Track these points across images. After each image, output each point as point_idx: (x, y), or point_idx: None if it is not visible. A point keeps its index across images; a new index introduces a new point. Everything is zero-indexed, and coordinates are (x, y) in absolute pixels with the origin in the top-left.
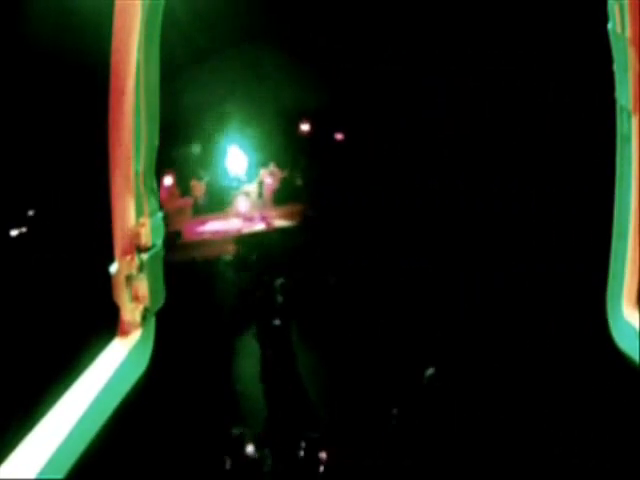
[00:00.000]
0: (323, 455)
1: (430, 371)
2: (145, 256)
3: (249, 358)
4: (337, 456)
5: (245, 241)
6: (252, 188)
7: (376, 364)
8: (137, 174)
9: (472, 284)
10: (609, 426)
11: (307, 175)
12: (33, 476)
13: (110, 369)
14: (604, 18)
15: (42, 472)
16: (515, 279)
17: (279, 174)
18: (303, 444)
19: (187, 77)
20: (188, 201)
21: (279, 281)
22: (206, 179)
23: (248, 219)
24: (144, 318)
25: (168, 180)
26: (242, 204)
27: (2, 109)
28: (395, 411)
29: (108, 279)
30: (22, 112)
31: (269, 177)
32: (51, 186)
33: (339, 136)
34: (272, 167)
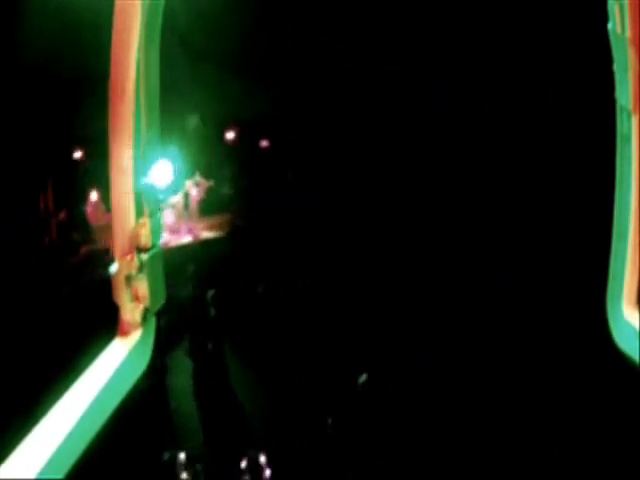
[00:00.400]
0: (260, 471)
1: (363, 377)
2: (145, 256)
3: (182, 374)
4: (275, 470)
5: (173, 254)
6: (178, 200)
7: (309, 372)
8: (137, 174)
9: (465, 285)
10: (609, 426)
11: (234, 184)
12: (33, 476)
13: (110, 369)
14: (604, 18)
15: (42, 472)
16: (515, 279)
17: (205, 184)
18: (239, 462)
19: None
20: None
21: (210, 293)
22: None
23: (175, 232)
24: (144, 318)
25: (93, 196)
26: (168, 217)
27: (3, 108)
28: (330, 420)
29: (108, 279)
30: (22, 112)
31: (195, 188)
32: (52, 186)
33: (264, 143)
34: (197, 177)
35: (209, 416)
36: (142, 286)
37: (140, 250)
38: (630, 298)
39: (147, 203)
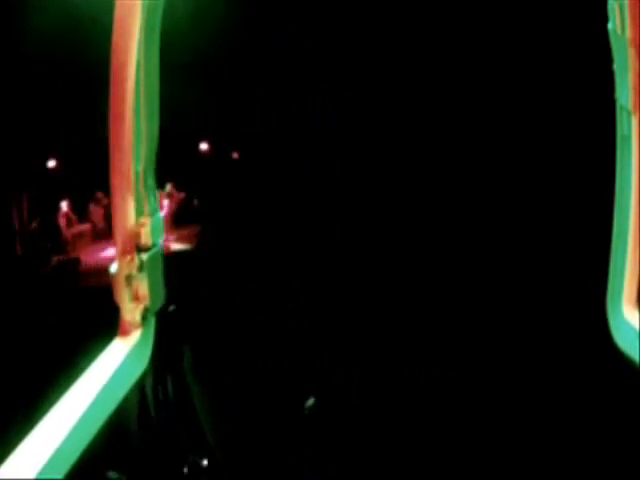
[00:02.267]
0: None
1: (310, 401)
2: (145, 256)
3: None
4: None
5: None
6: None
7: (268, 393)
8: (137, 174)
9: (463, 284)
10: (609, 426)
11: (206, 195)
12: (33, 476)
13: (110, 369)
14: (604, 18)
15: (42, 472)
16: (514, 279)
17: (177, 195)
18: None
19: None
20: (87, 226)
21: (171, 308)
22: (105, 202)
23: None
24: (144, 318)
25: (65, 206)
26: None
27: (3, 108)
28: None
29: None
30: (22, 112)
31: (167, 199)
32: (26, 195)
33: (237, 155)
34: (170, 188)
35: (165, 435)
36: (142, 286)
37: (140, 250)
38: (630, 298)
39: (147, 202)
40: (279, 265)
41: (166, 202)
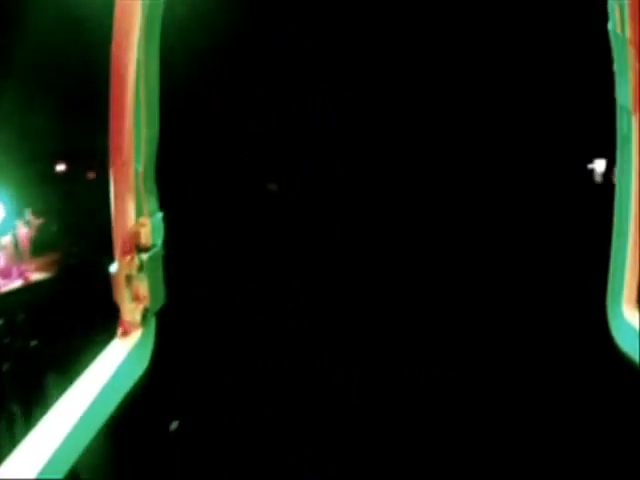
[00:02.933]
0: None
1: (174, 424)
2: (145, 256)
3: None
4: None
5: (2, 301)
6: (8, 241)
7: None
8: (137, 174)
9: (464, 284)
10: (609, 426)
11: (64, 219)
12: (33, 476)
13: (110, 369)
14: (604, 18)
15: (42, 472)
16: (514, 279)
17: (36, 222)
18: None
19: None
20: None
21: (32, 344)
22: None
23: (6, 275)
24: (144, 318)
25: None
26: None
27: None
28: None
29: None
30: (22, 111)
31: (25, 227)
32: (50, 185)
33: (91, 175)
34: (28, 215)
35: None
36: (142, 286)
37: (140, 250)
38: (630, 298)
39: (147, 202)
40: (279, 265)
41: (24, 230)
